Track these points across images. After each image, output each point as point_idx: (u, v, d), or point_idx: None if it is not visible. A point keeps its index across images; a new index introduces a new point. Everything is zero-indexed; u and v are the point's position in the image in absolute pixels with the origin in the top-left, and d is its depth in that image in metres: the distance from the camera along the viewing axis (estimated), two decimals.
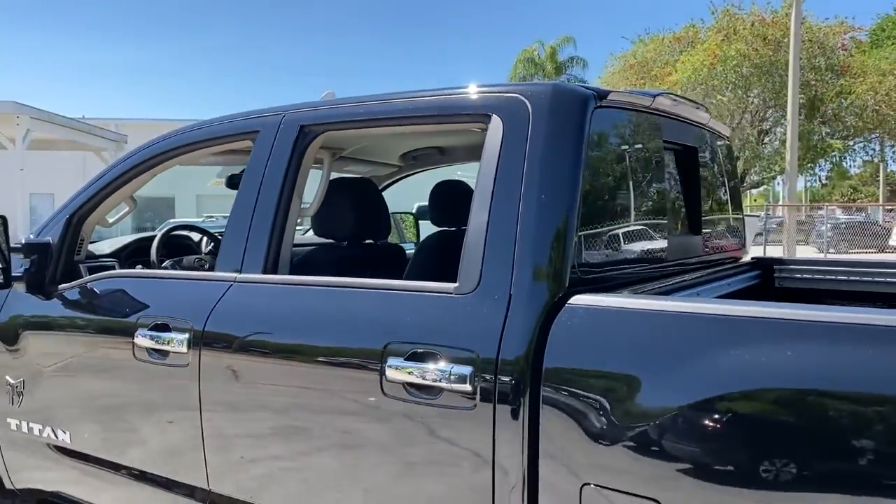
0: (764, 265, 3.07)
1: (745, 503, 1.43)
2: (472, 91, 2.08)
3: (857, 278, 2.98)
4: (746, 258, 3.15)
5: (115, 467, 2.57)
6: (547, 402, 1.65)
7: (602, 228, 1.98)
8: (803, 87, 20.59)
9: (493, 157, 1.92)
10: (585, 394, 1.62)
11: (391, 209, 3.24)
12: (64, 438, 2.69)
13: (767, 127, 22.72)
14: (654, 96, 2.22)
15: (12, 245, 2.75)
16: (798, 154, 19.01)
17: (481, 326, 1.78)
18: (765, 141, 22.86)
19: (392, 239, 3.76)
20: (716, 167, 2.84)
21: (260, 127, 2.44)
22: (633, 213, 2.15)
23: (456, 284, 1.89)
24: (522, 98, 1.93)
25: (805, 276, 3.06)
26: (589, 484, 1.59)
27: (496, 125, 1.95)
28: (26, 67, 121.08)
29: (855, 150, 24.57)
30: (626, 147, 2.16)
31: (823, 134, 22.12)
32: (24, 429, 2.82)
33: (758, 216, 19.26)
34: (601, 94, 1.96)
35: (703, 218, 2.63)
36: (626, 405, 1.56)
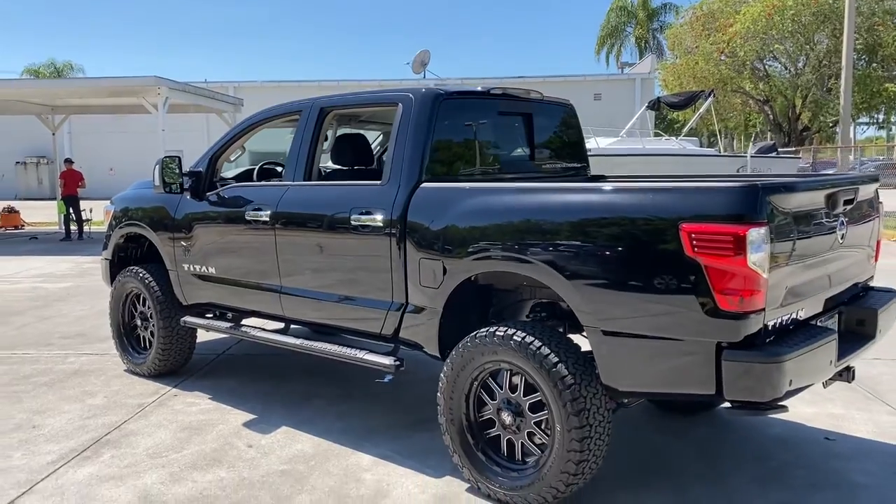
0: (597, 178, 5.22)
1: (461, 260, 3.71)
2: (391, 91, 4.39)
3: None
4: (589, 173, 5.30)
5: (236, 283, 5.09)
6: (409, 235, 3.97)
7: (443, 155, 4.24)
8: (868, 31, 21.21)
9: (397, 124, 4.20)
10: (421, 227, 3.92)
11: None
12: (211, 271, 5.23)
13: (833, 72, 23.26)
14: (490, 90, 4.46)
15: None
16: (858, 99, 19.82)
17: (387, 199, 4.09)
18: (830, 86, 23.40)
19: None
20: (555, 123, 5.02)
21: (302, 108, 4.82)
22: (467, 151, 4.41)
23: (381, 181, 4.21)
24: (410, 94, 4.20)
25: None
26: (421, 258, 3.91)
27: (399, 108, 4.22)
28: (150, 31, 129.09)
29: None
30: (468, 117, 4.40)
31: (880, 78, 22.49)
32: (190, 269, 5.38)
33: (800, 158, 20.30)
34: (449, 92, 4.21)
35: (536, 150, 4.82)
36: (429, 227, 3.88)
